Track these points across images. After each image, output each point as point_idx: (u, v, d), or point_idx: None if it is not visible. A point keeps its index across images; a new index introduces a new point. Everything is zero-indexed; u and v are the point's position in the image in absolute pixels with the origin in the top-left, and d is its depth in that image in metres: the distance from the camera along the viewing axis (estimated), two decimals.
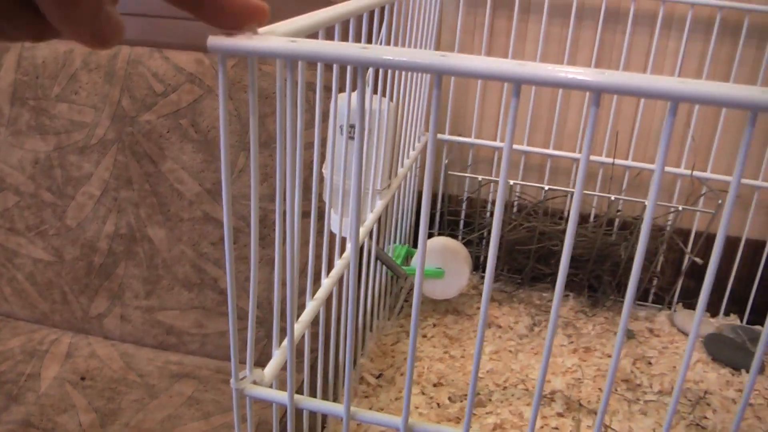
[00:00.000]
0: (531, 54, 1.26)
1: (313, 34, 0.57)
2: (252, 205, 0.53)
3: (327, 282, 0.76)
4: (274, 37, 0.47)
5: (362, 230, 0.89)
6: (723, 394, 1.09)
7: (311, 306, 0.71)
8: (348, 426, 0.58)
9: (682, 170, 1.25)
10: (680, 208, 1.21)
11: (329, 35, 0.59)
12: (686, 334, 1.24)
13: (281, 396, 0.60)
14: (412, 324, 0.51)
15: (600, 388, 1.05)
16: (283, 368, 0.62)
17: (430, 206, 1.27)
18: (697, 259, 1.21)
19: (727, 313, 1.33)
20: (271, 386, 0.63)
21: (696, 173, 1.24)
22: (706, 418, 1.03)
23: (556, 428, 0.97)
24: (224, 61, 0.48)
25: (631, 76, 0.42)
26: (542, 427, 0.96)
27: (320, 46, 0.46)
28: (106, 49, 0.43)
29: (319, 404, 0.60)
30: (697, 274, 1.28)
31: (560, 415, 0.99)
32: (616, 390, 1.06)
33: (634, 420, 0.99)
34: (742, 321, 1.32)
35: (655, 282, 1.29)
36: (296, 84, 0.52)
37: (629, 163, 1.26)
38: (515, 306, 1.26)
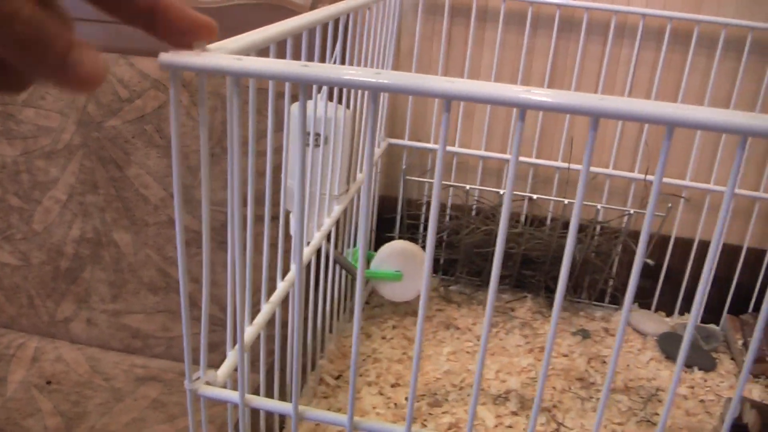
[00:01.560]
0: (488, 60, 1.29)
1: (264, 49, 0.60)
2: (203, 216, 0.55)
3: (282, 285, 0.79)
4: (222, 55, 0.50)
5: (319, 234, 0.92)
6: (674, 390, 1.12)
7: (266, 309, 0.74)
8: (296, 424, 0.60)
9: (635, 174, 1.28)
10: (632, 212, 1.25)
11: (291, 48, 0.62)
12: (641, 333, 1.27)
13: (234, 395, 0.62)
14: (355, 327, 0.54)
15: (554, 387, 1.08)
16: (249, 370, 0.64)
17: (390, 210, 1.30)
18: (649, 261, 1.25)
19: (681, 313, 1.36)
20: (225, 386, 0.65)
21: (649, 177, 1.27)
22: (656, 414, 1.06)
23: (510, 426, 1.00)
24: (176, 77, 0.50)
25: (555, 94, 0.45)
26: (497, 426, 0.99)
27: (263, 64, 0.49)
28: (88, 92, 0.44)
29: (268, 403, 0.62)
30: (654, 274, 1.32)
31: (514, 413, 1.02)
32: (570, 388, 1.09)
33: (586, 417, 1.02)
34: (699, 321, 1.36)
35: (610, 283, 1.33)
36: (248, 97, 0.54)
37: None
38: (474, 308, 1.29)
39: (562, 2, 1.21)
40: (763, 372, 1.21)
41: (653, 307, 1.34)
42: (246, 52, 0.55)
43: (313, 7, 1.23)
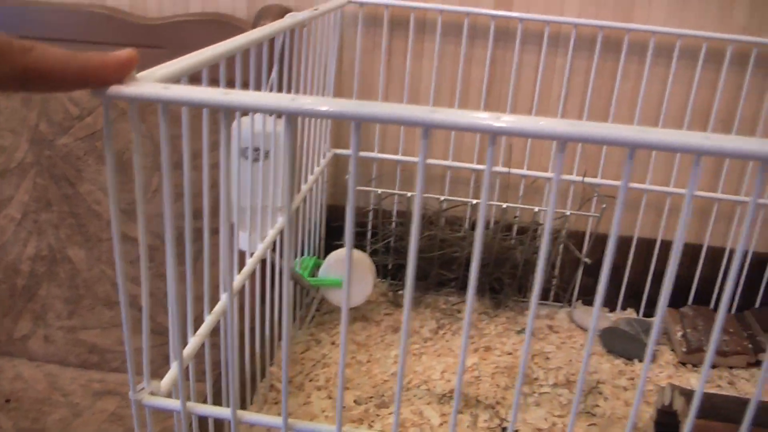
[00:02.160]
0: (427, 70, 1.33)
1: (197, 74, 0.63)
2: (140, 233, 0.59)
3: (225, 296, 0.82)
4: (150, 83, 0.53)
5: (263, 245, 0.95)
6: (615, 382, 1.17)
7: (208, 319, 0.77)
8: (235, 428, 0.64)
9: (573, 177, 1.33)
10: (568, 213, 1.29)
11: (224, 71, 0.65)
12: (584, 330, 1.32)
13: (176, 404, 0.66)
14: (284, 333, 0.57)
15: (498, 384, 1.13)
16: (198, 379, 0.67)
17: (336, 219, 1.34)
18: (587, 260, 1.29)
19: (624, 308, 1.42)
20: (170, 396, 0.69)
21: (587, 179, 1.32)
22: (597, 406, 1.11)
23: (455, 424, 1.04)
24: (108, 107, 0.54)
25: (457, 114, 0.49)
26: (442, 424, 1.03)
27: (187, 92, 0.52)
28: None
29: (208, 410, 0.66)
30: (595, 272, 1.37)
31: (459, 412, 1.06)
32: (513, 385, 1.13)
33: (528, 411, 1.07)
34: (638, 314, 1.41)
35: (554, 282, 1.37)
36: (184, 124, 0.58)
37: (524, 171, 1.34)
38: (421, 311, 1.33)
39: (496, 13, 1.26)
40: (701, 361, 1.26)
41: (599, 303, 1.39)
42: (177, 77, 0.59)
43: (255, 24, 1.26)
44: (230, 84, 0.82)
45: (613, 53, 1.29)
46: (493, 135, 0.51)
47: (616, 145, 0.50)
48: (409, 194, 1.34)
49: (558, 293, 1.39)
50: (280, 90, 1.00)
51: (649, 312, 1.41)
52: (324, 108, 0.51)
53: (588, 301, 1.40)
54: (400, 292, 1.37)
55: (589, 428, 1.05)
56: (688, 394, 0.95)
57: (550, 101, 1.33)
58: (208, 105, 0.52)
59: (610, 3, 1.27)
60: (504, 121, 0.50)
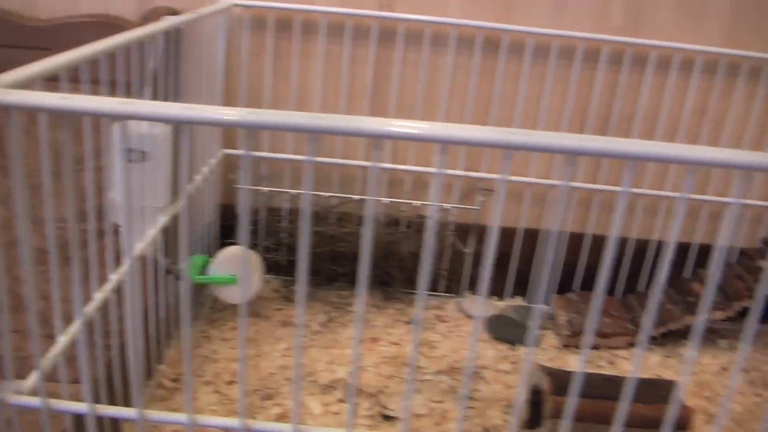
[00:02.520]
0: (315, 71, 1.36)
1: (53, 77, 0.65)
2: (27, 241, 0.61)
3: (99, 296, 0.84)
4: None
5: (142, 244, 0.97)
6: (497, 367, 1.22)
7: (79, 318, 0.79)
8: (93, 423, 0.66)
9: (458, 171, 1.38)
10: (448, 206, 1.34)
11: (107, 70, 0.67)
12: (472, 318, 1.37)
13: (36, 401, 0.68)
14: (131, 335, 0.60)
15: (381, 374, 1.17)
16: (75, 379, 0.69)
17: (230, 218, 1.36)
18: (467, 250, 1.34)
19: (512, 295, 1.47)
20: (35, 394, 0.70)
21: (471, 173, 1.37)
22: (478, 390, 1.15)
23: (337, 413, 1.07)
24: None
25: (344, 120, 0.53)
26: (324, 414, 1.07)
27: (25, 98, 0.54)
28: None
29: (64, 405, 0.68)
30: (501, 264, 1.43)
31: (341, 401, 1.10)
32: (397, 374, 1.17)
33: (410, 398, 1.11)
34: (525, 301, 1.47)
35: (443, 273, 1.42)
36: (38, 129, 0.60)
37: (411, 168, 1.38)
38: (313, 304, 1.36)
39: (379, 14, 1.30)
40: (598, 345, 1.32)
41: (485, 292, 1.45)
42: (30, 82, 0.61)
43: (142, 26, 1.27)
44: (112, 85, 0.84)
45: (494, 53, 1.34)
46: (378, 139, 0.55)
47: (494, 147, 0.54)
48: (292, 191, 1.37)
49: (448, 284, 1.44)
50: (155, 96, 1.02)
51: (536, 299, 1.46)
52: (189, 115, 0.54)
53: (477, 290, 1.46)
54: (293, 287, 1.40)
55: (467, 411, 1.10)
56: (552, 374, 1.00)
57: (434, 99, 1.37)
58: (54, 110, 0.54)
59: (490, 5, 1.32)
60: (391, 125, 0.54)
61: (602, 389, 0.95)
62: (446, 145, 0.55)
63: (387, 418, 1.08)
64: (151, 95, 1.01)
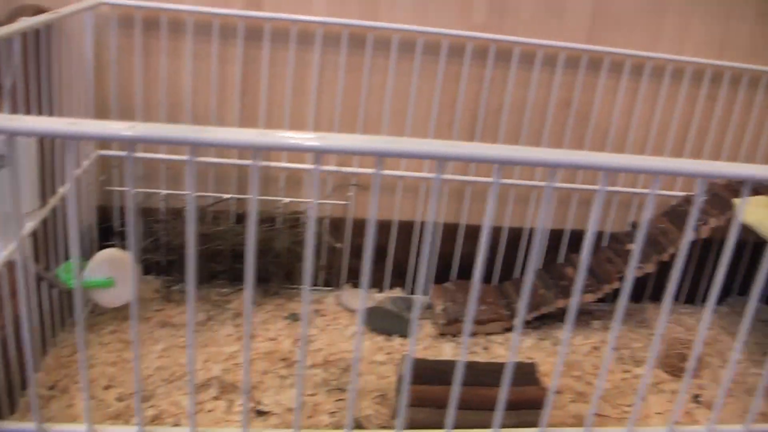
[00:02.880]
0: (185, 70, 1.36)
1: None
2: None
3: None
4: None
5: (6, 251, 0.96)
6: (372, 358, 1.25)
7: None
8: None
9: (331, 167, 1.40)
10: (315, 202, 1.36)
11: None
12: (351, 311, 1.39)
13: None
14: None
15: (256, 370, 1.18)
16: None
17: (106, 219, 1.35)
18: (338, 245, 1.37)
19: (391, 287, 1.50)
20: None
21: (343, 169, 1.39)
22: (350, 382, 1.17)
23: (211, 410, 1.08)
24: None
25: (225, 132, 0.54)
26: (198, 412, 1.07)
27: None
28: None
29: None
30: (379, 257, 1.46)
31: (216, 398, 1.11)
32: (272, 369, 1.19)
33: (283, 393, 1.13)
34: (405, 292, 1.50)
35: (322, 267, 1.44)
36: None
37: (285, 164, 1.40)
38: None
39: (245, 14, 1.30)
40: (460, 331, 1.36)
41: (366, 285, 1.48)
42: None
43: (8, 22, 1.25)
44: None
45: (361, 50, 1.36)
46: (257, 150, 0.57)
47: (364, 155, 0.58)
48: (162, 192, 1.37)
49: (327, 277, 1.46)
50: (14, 101, 1.01)
51: (414, 290, 1.50)
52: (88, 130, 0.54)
53: (356, 283, 1.48)
54: (173, 287, 1.40)
55: (337, 403, 1.12)
56: (416, 361, 1.02)
57: (303, 96, 1.38)
58: None
59: (356, 3, 1.34)
60: (268, 136, 0.57)
61: (465, 376, 0.98)
62: (320, 153, 0.58)
63: (260, 413, 1.09)
64: (10, 106, 1.00)
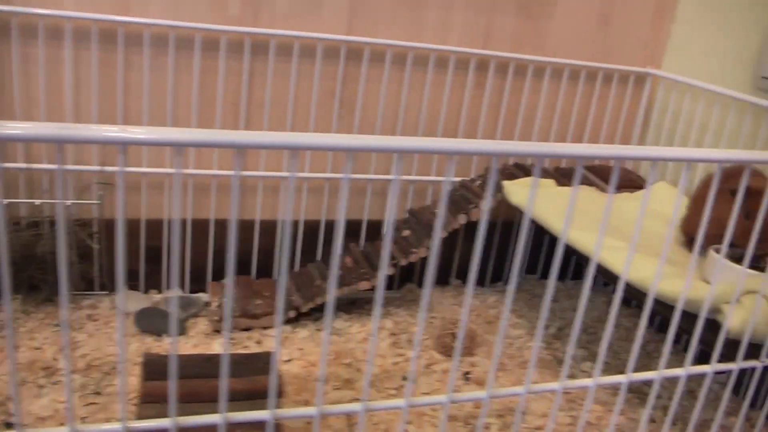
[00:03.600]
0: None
1: None
2: None
3: None
4: None
5: None
6: (137, 360, 1.23)
7: None
8: None
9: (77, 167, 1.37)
10: (69, 203, 1.34)
11: None
12: (126, 314, 1.37)
13: None
14: None
15: (12, 381, 1.14)
16: None
17: None
18: (94, 245, 1.35)
19: (170, 287, 1.50)
20: None
21: (86, 168, 1.37)
22: (110, 385, 1.16)
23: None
24: None
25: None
26: None
27: None
28: None
29: None
30: (157, 258, 1.45)
31: None
32: (29, 379, 1.16)
33: (35, 402, 1.10)
34: (185, 291, 1.50)
35: (95, 270, 1.41)
36: None
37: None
38: None
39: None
40: (235, 327, 1.36)
41: (142, 287, 1.47)
42: None
43: None
44: None
45: (113, 45, 1.33)
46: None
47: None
48: None
49: (102, 282, 1.43)
50: None
51: (196, 287, 1.49)
52: None
53: (133, 286, 1.46)
54: None
55: (88, 407, 1.10)
56: (146, 361, 1.02)
57: (59, 96, 1.35)
58: None
59: None
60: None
61: (199, 369, 0.99)
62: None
63: (8, 425, 1.06)
64: None
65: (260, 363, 1.04)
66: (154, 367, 1.00)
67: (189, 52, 1.36)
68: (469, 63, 1.52)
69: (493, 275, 1.73)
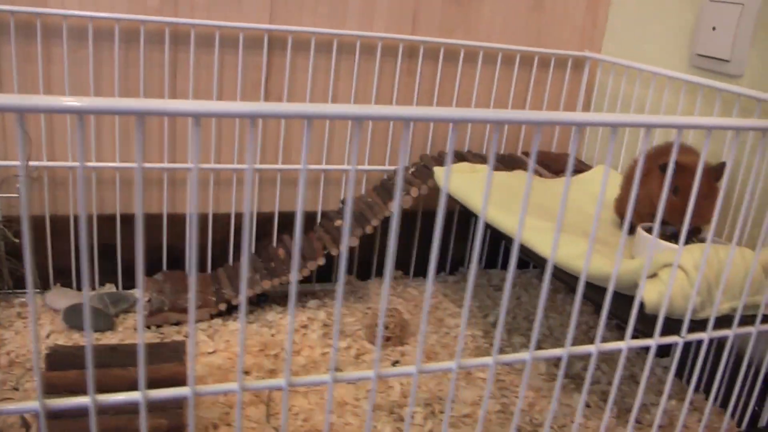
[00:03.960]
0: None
1: None
2: None
3: None
4: None
5: None
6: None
7: None
8: None
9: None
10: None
11: None
12: (56, 311, 1.37)
13: None
14: None
15: None
16: None
17: None
18: (16, 240, 1.33)
19: (103, 283, 1.50)
20: None
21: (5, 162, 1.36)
22: (28, 381, 1.15)
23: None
24: None
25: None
26: None
27: None
28: None
29: None
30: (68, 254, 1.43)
31: None
32: None
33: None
34: (117, 288, 1.50)
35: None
36: None
37: None
38: None
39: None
40: (165, 321, 1.35)
41: (74, 284, 1.46)
42: None
43: None
44: None
45: (33, 39, 1.31)
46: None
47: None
48: None
49: (35, 280, 1.43)
50: None
51: (130, 284, 1.49)
52: None
53: (66, 283, 1.45)
54: None
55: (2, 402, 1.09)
56: (51, 352, 1.01)
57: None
58: None
59: None
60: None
61: (103, 359, 0.98)
62: None
63: None
64: None
65: (167, 351, 1.03)
66: (57, 358, 0.99)
67: (110, 44, 1.35)
68: (397, 49, 1.51)
69: (439, 266, 1.73)
